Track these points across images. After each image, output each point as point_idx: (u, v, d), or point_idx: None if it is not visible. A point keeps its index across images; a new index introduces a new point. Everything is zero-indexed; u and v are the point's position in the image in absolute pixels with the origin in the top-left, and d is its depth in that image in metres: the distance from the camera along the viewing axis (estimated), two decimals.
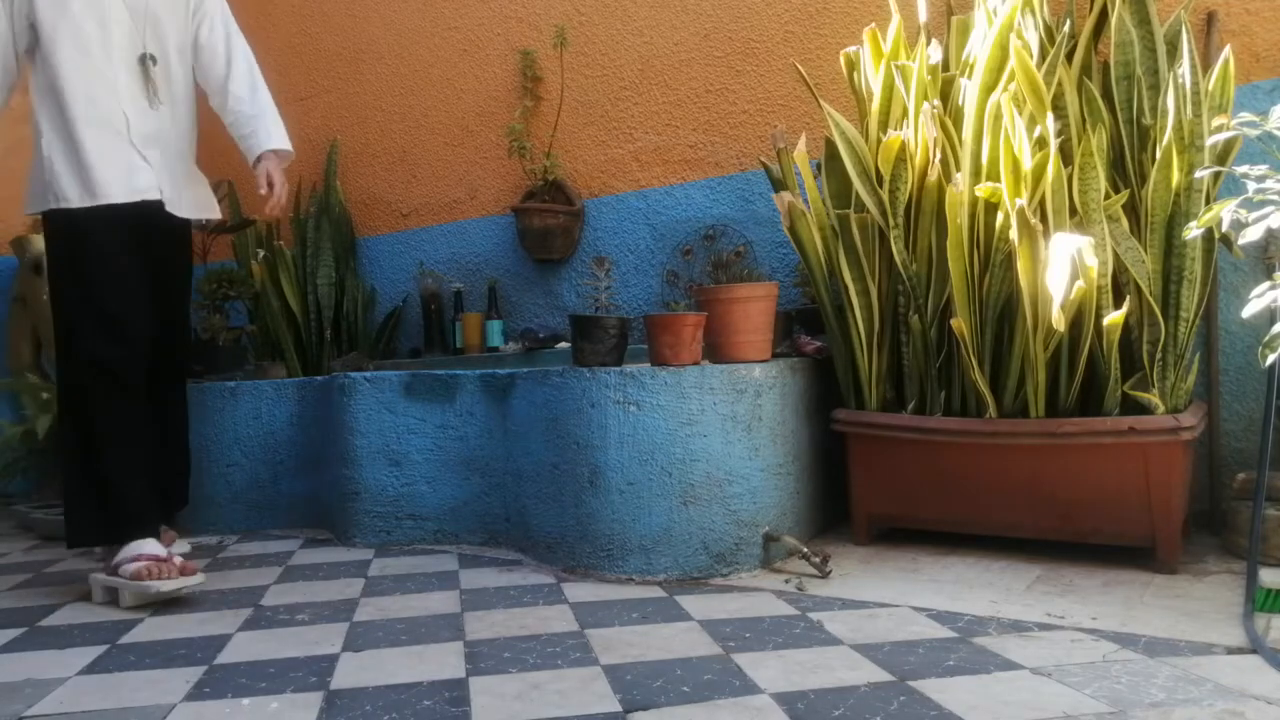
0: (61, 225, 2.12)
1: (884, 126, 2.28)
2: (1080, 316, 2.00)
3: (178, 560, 2.05)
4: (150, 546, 2.06)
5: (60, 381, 2.16)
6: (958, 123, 2.15)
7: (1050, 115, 1.98)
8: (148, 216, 2.17)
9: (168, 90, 2.25)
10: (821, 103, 2.34)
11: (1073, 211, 2.00)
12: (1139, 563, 1.98)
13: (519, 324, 3.43)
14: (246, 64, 2.35)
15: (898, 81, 2.26)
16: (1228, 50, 2.06)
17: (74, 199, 2.09)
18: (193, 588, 2.02)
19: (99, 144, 2.11)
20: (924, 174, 2.18)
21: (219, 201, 3.63)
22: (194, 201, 2.32)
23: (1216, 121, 1.98)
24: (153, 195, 2.17)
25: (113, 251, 2.11)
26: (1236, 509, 2.04)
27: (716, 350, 2.23)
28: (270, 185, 2.29)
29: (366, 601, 1.98)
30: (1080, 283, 1.90)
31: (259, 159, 2.31)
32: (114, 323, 2.10)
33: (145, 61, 2.20)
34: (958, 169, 2.10)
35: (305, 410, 2.87)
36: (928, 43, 2.24)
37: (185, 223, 2.32)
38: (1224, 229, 1.59)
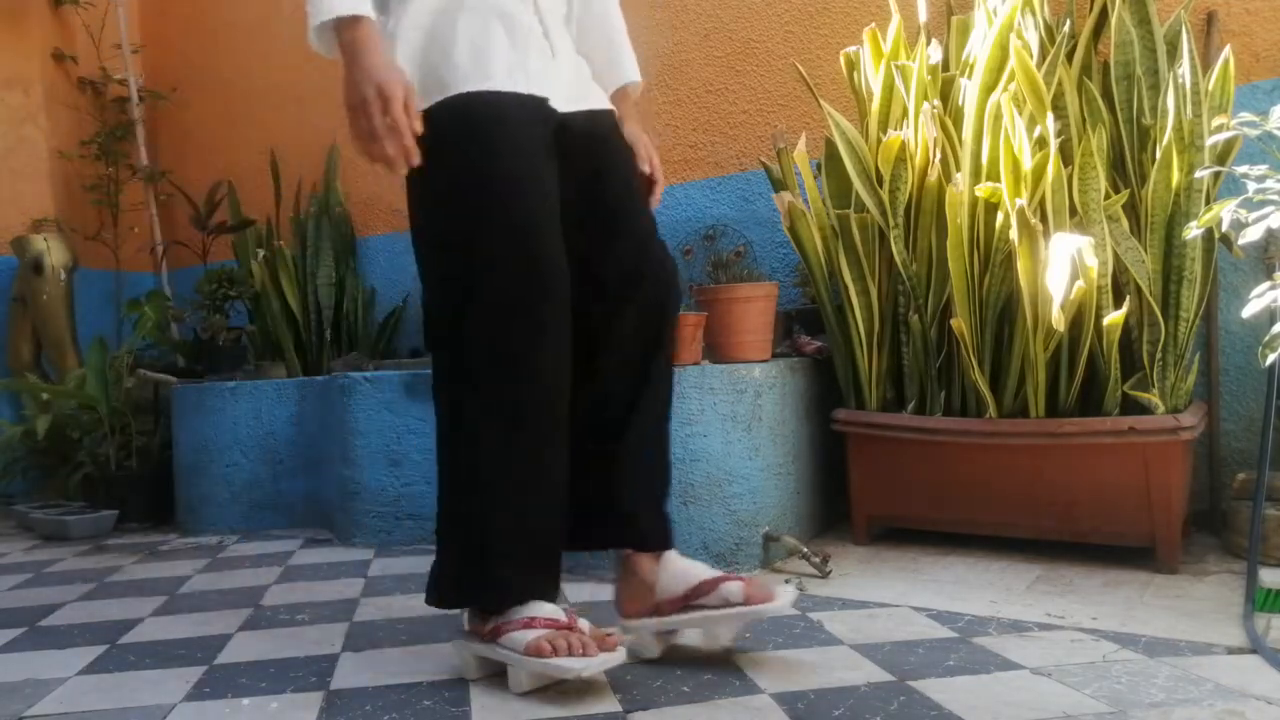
0: (451, 122, 1.41)
1: (884, 126, 2.28)
2: (1080, 316, 2.00)
3: (585, 625, 1.42)
4: (544, 606, 1.43)
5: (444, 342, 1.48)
6: (958, 123, 2.15)
7: (1050, 115, 1.98)
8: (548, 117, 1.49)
9: None
10: (821, 103, 2.34)
11: (1073, 211, 2.00)
12: (1139, 563, 1.98)
13: None
14: None
15: (898, 81, 2.26)
16: (1228, 50, 2.06)
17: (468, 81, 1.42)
18: (615, 665, 1.40)
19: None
20: (924, 174, 2.18)
21: (218, 203, 3.66)
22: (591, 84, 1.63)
23: (1216, 121, 1.98)
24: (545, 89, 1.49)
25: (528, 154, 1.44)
26: (1236, 509, 2.04)
27: (716, 350, 2.23)
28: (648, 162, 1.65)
29: (366, 601, 1.98)
30: (1080, 283, 1.90)
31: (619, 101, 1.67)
32: (535, 255, 1.40)
33: None
34: (958, 169, 2.10)
35: (305, 410, 2.87)
36: (928, 43, 2.24)
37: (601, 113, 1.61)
38: (1224, 229, 1.59)
